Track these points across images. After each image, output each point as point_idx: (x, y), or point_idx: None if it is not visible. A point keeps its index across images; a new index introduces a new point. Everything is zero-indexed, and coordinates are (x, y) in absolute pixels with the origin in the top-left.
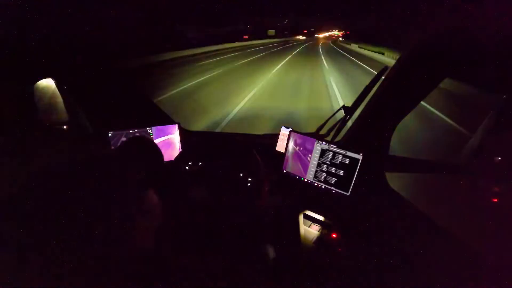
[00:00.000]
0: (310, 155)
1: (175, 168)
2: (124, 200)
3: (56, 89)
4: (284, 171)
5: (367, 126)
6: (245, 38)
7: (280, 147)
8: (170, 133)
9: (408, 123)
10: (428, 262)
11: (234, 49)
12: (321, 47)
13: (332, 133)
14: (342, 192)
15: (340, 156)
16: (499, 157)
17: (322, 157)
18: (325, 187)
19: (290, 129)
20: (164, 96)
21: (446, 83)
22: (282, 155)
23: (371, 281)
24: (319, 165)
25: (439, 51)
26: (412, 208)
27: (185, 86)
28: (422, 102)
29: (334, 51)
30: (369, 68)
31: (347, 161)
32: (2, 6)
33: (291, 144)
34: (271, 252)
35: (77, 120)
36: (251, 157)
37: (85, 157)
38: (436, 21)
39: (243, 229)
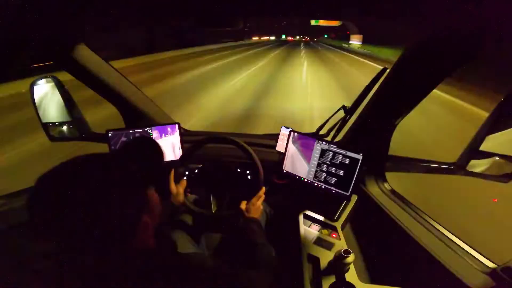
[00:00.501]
0: (310, 155)
1: (176, 169)
2: (126, 199)
3: (56, 89)
4: (284, 171)
5: (367, 126)
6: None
7: (280, 147)
8: (170, 133)
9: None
10: (428, 262)
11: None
12: None
13: (332, 133)
14: (342, 192)
15: (340, 156)
16: (499, 157)
17: (322, 157)
18: (325, 187)
19: (290, 129)
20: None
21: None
22: (282, 155)
23: (371, 281)
24: (319, 165)
25: (439, 51)
26: (412, 208)
27: None
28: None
29: None
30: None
31: (347, 161)
32: (2, 6)
33: (291, 144)
34: (271, 252)
35: (77, 120)
36: (250, 157)
37: (85, 157)
38: (436, 21)
39: (243, 229)
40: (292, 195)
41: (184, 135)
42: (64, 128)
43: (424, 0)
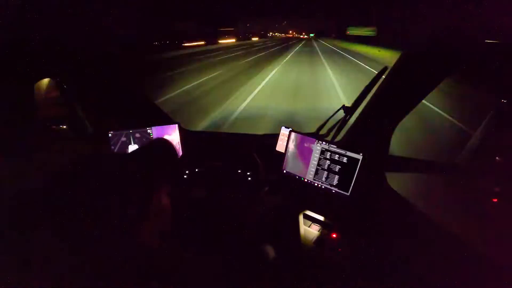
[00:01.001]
0: (310, 155)
1: (177, 169)
2: (129, 200)
3: (56, 89)
4: (284, 171)
5: (367, 126)
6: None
7: (280, 147)
8: (170, 133)
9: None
10: (428, 262)
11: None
12: None
13: (332, 133)
14: (342, 192)
15: (340, 156)
16: (499, 157)
17: (322, 157)
18: (325, 187)
19: (290, 129)
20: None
21: (446, 83)
22: (282, 155)
23: (371, 281)
24: (319, 165)
25: (439, 51)
26: (412, 208)
27: None
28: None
29: None
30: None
31: (347, 161)
32: (3, 6)
33: (291, 144)
34: (271, 252)
35: (77, 120)
36: (250, 157)
37: (87, 156)
38: (436, 21)
39: (243, 229)
40: (292, 195)
41: (184, 135)
42: (64, 128)
43: (424, 0)
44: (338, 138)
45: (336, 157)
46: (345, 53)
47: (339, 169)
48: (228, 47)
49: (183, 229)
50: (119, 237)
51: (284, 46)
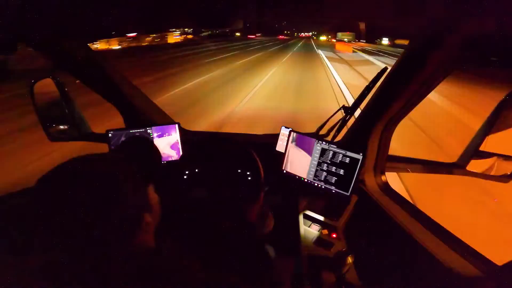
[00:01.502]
0: (310, 155)
1: (176, 169)
2: (126, 198)
3: (56, 89)
4: (284, 171)
5: (367, 126)
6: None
7: (280, 147)
8: (170, 133)
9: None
10: (428, 262)
11: None
12: None
13: (332, 133)
14: (342, 192)
15: (340, 156)
16: (499, 157)
17: (322, 157)
18: (325, 187)
19: (290, 129)
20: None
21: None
22: (282, 155)
23: (371, 281)
24: (319, 165)
25: (439, 50)
26: (412, 208)
27: None
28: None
29: None
30: None
31: (347, 161)
32: (2, 6)
33: (291, 144)
34: (271, 252)
35: (77, 120)
36: (250, 157)
37: (85, 157)
38: (436, 21)
39: (243, 230)
40: (292, 195)
41: (184, 135)
42: (64, 128)
43: (424, 0)
44: (338, 138)
45: (336, 157)
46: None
47: (339, 169)
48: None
49: (183, 229)
50: (119, 236)
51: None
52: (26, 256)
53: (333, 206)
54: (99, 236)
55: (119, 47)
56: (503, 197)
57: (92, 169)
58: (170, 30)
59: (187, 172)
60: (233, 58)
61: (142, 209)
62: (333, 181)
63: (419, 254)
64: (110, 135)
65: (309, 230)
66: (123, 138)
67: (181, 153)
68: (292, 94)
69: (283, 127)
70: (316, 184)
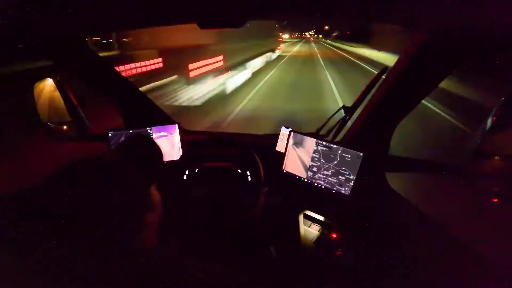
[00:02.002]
0: (310, 155)
1: (176, 169)
2: (127, 198)
3: (57, 89)
4: (284, 171)
5: (367, 126)
6: None
7: (280, 147)
8: (170, 133)
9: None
10: (428, 262)
11: None
12: None
13: (332, 133)
14: (342, 192)
15: (340, 156)
16: (499, 157)
17: (322, 157)
18: (325, 187)
19: (290, 129)
20: None
21: (446, 83)
22: (282, 155)
23: (371, 281)
24: (319, 165)
25: (439, 50)
26: (412, 208)
27: None
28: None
29: None
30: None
31: (347, 161)
32: (2, 5)
33: (291, 144)
34: (271, 252)
35: (77, 120)
36: (250, 157)
37: (85, 157)
38: (436, 21)
39: (243, 230)
40: (292, 195)
41: (184, 135)
42: (64, 128)
43: (425, 0)
44: (338, 138)
45: (336, 157)
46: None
47: (339, 169)
48: None
49: (183, 229)
50: (120, 236)
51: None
52: (26, 256)
53: (333, 206)
54: (100, 236)
55: None
56: (503, 197)
57: (94, 168)
58: None
59: (187, 172)
60: None
61: (144, 209)
62: (333, 181)
63: (420, 254)
64: (110, 135)
65: (309, 230)
66: (123, 138)
67: (181, 153)
68: None
69: (283, 127)
70: (316, 184)
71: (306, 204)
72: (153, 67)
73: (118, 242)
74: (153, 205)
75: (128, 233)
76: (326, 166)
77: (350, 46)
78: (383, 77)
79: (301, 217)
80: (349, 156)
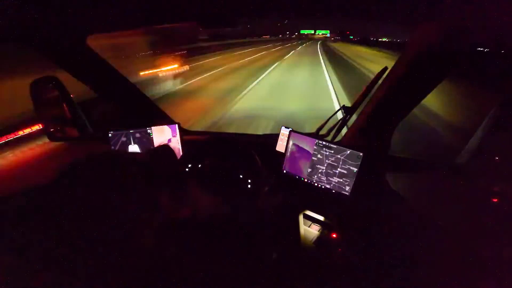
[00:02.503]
0: (310, 155)
1: (176, 169)
2: (128, 200)
3: (56, 89)
4: (284, 171)
5: (367, 126)
6: None
7: (280, 147)
8: (170, 133)
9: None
10: (428, 262)
11: None
12: None
13: (332, 133)
14: (342, 192)
15: (340, 156)
16: (499, 157)
17: (322, 157)
18: (325, 187)
19: (290, 129)
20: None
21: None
22: (282, 155)
23: (371, 281)
24: (319, 165)
25: (439, 51)
26: (412, 208)
27: None
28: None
29: None
30: None
31: (347, 161)
32: (3, 5)
33: (291, 144)
34: (271, 252)
35: (77, 120)
36: (250, 157)
37: (85, 157)
38: (436, 21)
39: (243, 229)
40: (292, 195)
41: (184, 135)
42: (64, 128)
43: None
44: (338, 138)
45: (336, 157)
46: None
47: (339, 169)
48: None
49: (182, 229)
50: (120, 237)
51: None
52: (26, 256)
53: (333, 206)
54: (100, 237)
55: None
56: (503, 197)
57: (94, 168)
58: None
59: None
60: None
61: (144, 210)
62: (333, 181)
63: (419, 253)
64: (110, 135)
65: (309, 230)
66: (123, 138)
67: (181, 153)
68: None
69: (283, 127)
70: (316, 184)
71: (306, 204)
72: None
73: (118, 242)
74: (152, 206)
75: (128, 233)
76: (326, 166)
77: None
78: (383, 77)
79: (301, 217)
80: (349, 156)
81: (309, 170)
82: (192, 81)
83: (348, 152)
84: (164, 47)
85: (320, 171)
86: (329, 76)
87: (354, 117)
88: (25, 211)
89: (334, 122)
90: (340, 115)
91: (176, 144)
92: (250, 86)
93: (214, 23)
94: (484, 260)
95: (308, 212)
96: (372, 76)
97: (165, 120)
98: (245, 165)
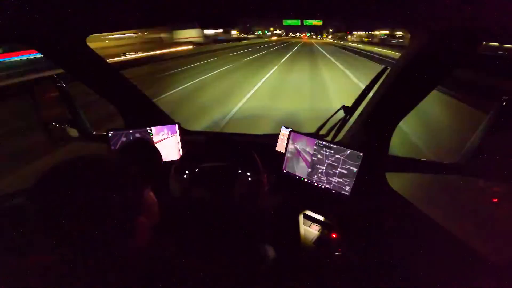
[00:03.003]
0: (310, 155)
1: (176, 169)
2: (124, 199)
3: (57, 90)
4: (284, 171)
5: (367, 126)
6: None
7: (280, 147)
8: (170, 133)
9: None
10: (428, 262)
11: None
12: None
13: (332, 133)
14: (342, 192)
15: (340, 156)
16: (499, 157)
17: (322, 157)
18: (325, 187)
19: (290, 129)
20: None
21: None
22: (282, 155)
23: (371, 281)
24: (319, 165)
25: (439, 51)
26: (412, 208)
27: None
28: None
29: None
30: None
31: (347, 161)
32: (3, 5)
33: (291, 144)
34: (271, 252)
35: (77, 120)
36: (250, 157)
37: (85, 157)
38: (436, 21)
39: (243, 229)
40: (292, 195)
41: (184, 135)
42: (65, 128)
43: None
44: (338, 138)
45: (336, 157)
46: None
47: (339, 169)
48: None
49: (182, 229)
50: (118, 236)
51: None
52: (26, 256)
53: (333, 206)
54: (98, 237)
55: None
56: (503, 197)
57: (90, 170)
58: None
59: (187, 172)
60: None
61: (137, 211)
62: (333, 181)
63: (419, 253)
64: (110, 135)
65: (309, 230)
66: (123, 138)
67: (181, 153)
68: None
69: (283, 127)
70: (316, 184)
71: (306, 204)
72: None
73: (118, 242)
74: (147, 207)
75: (123, 234)
76: (326, 166)
77: None
78: (383, 77)
79: (301, 217)
80: (349, 156)
81: (309, 170)
82: None
83: (348, 152)
84: None
85: (320, 171)
86: None
87: (354, 117)
88: (24, 211)
89: (334, 122)
90: (340, 115)
91: (176, 144)
92: None
93: (214, 23)
94: (484, 260)
95: (308, 212)
96: None
97: (165, 120)
98: (245, 165)
